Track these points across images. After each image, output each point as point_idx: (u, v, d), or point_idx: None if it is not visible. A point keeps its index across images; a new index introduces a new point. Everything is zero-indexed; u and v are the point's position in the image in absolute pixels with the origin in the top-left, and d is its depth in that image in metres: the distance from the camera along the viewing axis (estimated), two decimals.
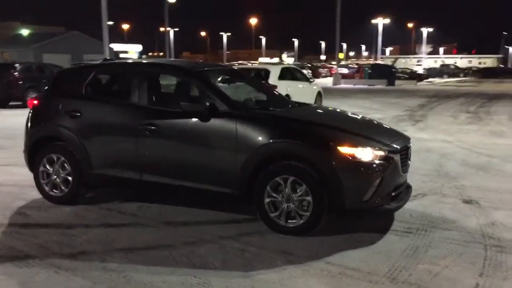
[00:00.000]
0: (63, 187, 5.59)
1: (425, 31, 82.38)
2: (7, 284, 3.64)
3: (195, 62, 6.98)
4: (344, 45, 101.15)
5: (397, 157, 4.60)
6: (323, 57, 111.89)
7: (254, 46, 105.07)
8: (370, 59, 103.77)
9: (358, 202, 4.42)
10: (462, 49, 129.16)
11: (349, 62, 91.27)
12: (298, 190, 4.52)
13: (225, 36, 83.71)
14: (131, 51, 78.01)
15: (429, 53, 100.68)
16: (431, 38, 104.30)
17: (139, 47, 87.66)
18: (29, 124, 5.85)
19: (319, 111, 6.18)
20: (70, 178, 5.54)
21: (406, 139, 5.09)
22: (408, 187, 5.15)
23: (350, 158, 4.39)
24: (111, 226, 4.94)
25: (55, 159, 5.59)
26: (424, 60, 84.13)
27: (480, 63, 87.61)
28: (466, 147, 9.84)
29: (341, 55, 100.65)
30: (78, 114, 5.45)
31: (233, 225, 4.96)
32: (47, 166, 5.63)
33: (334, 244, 4.40)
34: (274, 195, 4.62)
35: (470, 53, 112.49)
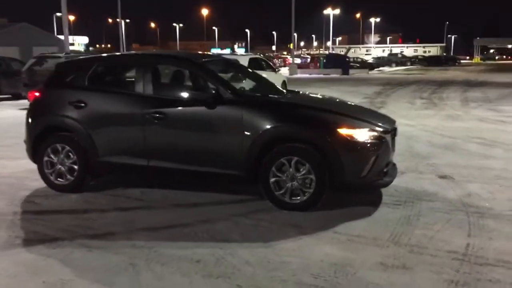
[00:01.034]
0: (68, 176, 5.81)
1: (373, 21, 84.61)
2: (47, 264, 3.89)
3: (193, 53, 7.26)
4: (295, 36, 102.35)
5: (388, 137, 5.12)
6: (274, 47, 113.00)
7: (206, 37, 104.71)
8: (320, 49, 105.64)
9: (356, 178, 4.92)
10: (407, 39, 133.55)
11: (299, 52, 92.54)
12: (301, 170, 4.97)
13: (177, 28, 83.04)
14: (77, 43, 76.27)
15: (377, 43, 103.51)
16: (378, 28, 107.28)
17: (85, 39, 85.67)
18: (30, 116, 6.01)
19: (313, 97, 6.62)
20: (75, 167, 5.76)
21: (393, 121, 5.62)
22: (394, 164, 5.70)
23: (349, 138, 4.87)
24: (124, 210, 5.23)
25: (60, 148, 5.79)
26: (372, 50, 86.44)
27: (425, 51, 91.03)
28: (429, 130, 10.59)
29: (291, 45, 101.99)
30: (83, 104, 5.67)
31: (239, 204, 5.35)
32: (52, 156, 5.82)
33: (336, 217, 4.87)
34: (279, 174, 5.04)
35: (414, 42, 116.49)
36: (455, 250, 4.02)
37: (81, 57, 8.11)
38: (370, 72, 42.45)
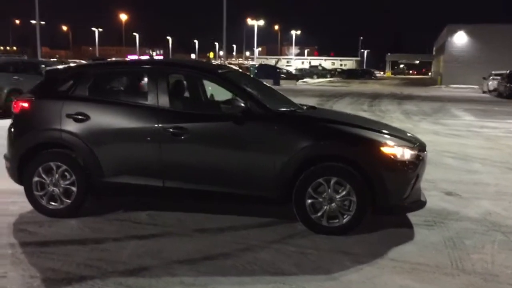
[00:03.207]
0: (64, 199, 5.06)
1: (293, 33, 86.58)
2: None
3: (210, 63, 6.68)
4: (217, 45, 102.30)
5: (424, 155, 4.93)
6: (193, 56, 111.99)
7: (124, 43, 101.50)
8: (240, 59, 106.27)
9: (400, 199, 4.69)
10: (322, 51, 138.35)
11: (219, 62, 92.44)
12: (339, 191, 4.65)
13: (96, 32, 79.88)
14: None
15: (296, 55, 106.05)
16: (295, 41, 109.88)
17: None
18: (16, 130, 5.19)
19: (338, 112, 6.28)
20: (73, 188, 5.03)
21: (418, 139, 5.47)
22: None
23: (392, 157, 4.63)
24: (141, 238, 4.60)
25: (54, 168, 5.04)
26: (292, 61, 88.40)
27: (341, 65, 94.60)
28: None
29: (211, 55, 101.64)
30: (85, 117, 4.98)
31: (268, 229, 4.92)
32: (44, 176, 5.05)
33: (378, 241, 4.59)
34: (315, 196, 4.69)
35: (328, 55, 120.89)
36: None
37: (79, 63, 7.17)
38: (297, 83, 43.14)
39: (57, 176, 5.04)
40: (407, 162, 4.68)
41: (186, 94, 5.74)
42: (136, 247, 4.39)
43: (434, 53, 78.70)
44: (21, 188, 5.37)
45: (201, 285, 3.65)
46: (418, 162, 4.78)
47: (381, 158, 4.61)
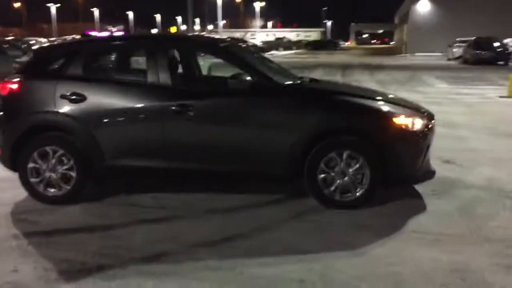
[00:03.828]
0: (62, 184, 4.81)
1: (257, 6, 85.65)
2: None
3: (208, 36, 6.36)
4: (179, 18, 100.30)
5: (432, 124, 4.86)
6: (155, 30, 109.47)
7: (82, 19, 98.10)
8: (203, 33, 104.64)
9: (413, 170, 4.63)
10: (286, 23, 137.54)
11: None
12: (352, 164, 4.56)
13: (53, 8, 76.86)
14: None
15: (260, 27, 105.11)
16: (258, 13, 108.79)
17: None
18: (6, 113, 4.86)
19: (345, 84, 6.12)
20: (72, 173, 4.78)
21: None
22: None
23: (405, 128, 4.55)
24: (153, 222, 4.42)
25: (50, 152, 4.76)
26: (257, 34, 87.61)
27: (306, 36, 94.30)
28: None
29: (173, 29, 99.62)
30: (81, 98, 4.69)
31: (278, 206, 4.80)
32: (39, 162, 4.77)
33: (393, 214, 4.54)
34: (328, 170, 4.59)
35: (292, 27, 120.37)
36: None
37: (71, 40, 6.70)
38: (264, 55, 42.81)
39: (53, 161, 4.77)
40: (418, 132, 4.61)
41: (186, 69, 5.48)
42: (149, 232, 4.21)
43: (396, 22, 79.32)
44: (6, 174, 5.13)
45: (228, 268, 3.52)
46: (428, 132, 4.72)
47: (394, 129, 4.52)
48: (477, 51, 29.13)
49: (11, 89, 4.84)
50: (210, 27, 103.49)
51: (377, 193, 4.66)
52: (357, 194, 4.59)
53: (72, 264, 3.60)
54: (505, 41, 31.06)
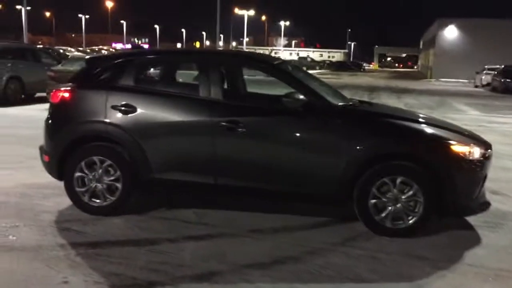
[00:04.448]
0: (107, 195, 4.76)
1: (282, 24, 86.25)
2: None
3: (261, 53, 6.29)
4: (204, 34, 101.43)
5: (489, 153, 4.71)
6: (179, 45, 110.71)
7: (111, 31, 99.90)
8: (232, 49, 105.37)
9: (469, 200, 4.47)
10: (309, 43, 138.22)
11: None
12: (405, 191, 4.42)
13: (83, 18, 78.57)
14: None
15: (284, 46, 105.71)
16: (280, 31, 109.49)
17: None
18: (56, 122, 4.86)
19: (394, 108, 5.99)
20: (118, 185, 4.72)
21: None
22: None
23: (463, 156, 4.40)
24: (198, 239, 4.32)
25: (98, 162, 4.73)
26: (281, 52, 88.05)
27: (329, 56, 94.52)
28: None
29: (197, 44, 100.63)
30: (132, 109, 4.66)
31: (326, 229, 4.68)
32: (86, 171, 4.73)
33: (448, 245, 4.38)
34: (379, 196, 4.46)
35: (315, 47, 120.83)
36: None
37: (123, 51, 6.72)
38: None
39: (100, 171, 4.73)
40: (476, 161, 4.46)
41: (238, 85, 5.44)
42: (196, 249, 4.11)
43: (421, 46, 79.01)
44: (48, 180, 5.10)
45: None
46: (485, 161, 4.57)
47: (451, 157, 4.38)
48: (506, 79, 28.76)
49: (62, 97, 4.83)
50: (233, 43, 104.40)
51: (429, 223, 4.51)
52: (409, 222, 4.45)
53: (122, 278, 3.52)
54: None
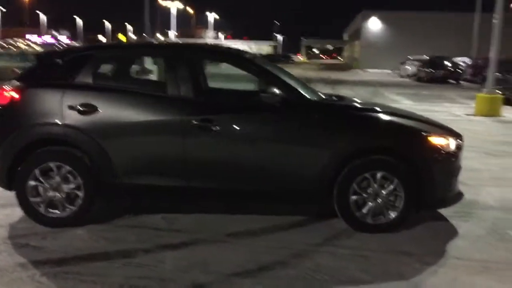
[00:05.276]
0: (67, 205, 4.31)
1: (211, 16, 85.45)
2: None
3: (230, 47, 5.87)
4: (130, 27, 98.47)
5: (462, 144, 4.72)
6: (100, 37, 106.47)
7: (29, 24, 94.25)
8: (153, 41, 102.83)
9: (447, 192, 4.47)
10: (237, 36, 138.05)
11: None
12: (385, 185, 4.33)
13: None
14: None
15: (213, 39, 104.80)
16: (209, 24, 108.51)
17: None
18: (3, 125, 4.33)
19: (369, 102, 5.87)
20: (79, 193, 4.29)
21: None
22: None
23: (441, 148, 4.37)
24: (174, 248, 4.00)
25: (55, 169, 4.27)
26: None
27: (258, 49, 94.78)
28: None
29: (122, 37, 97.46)
30: (92, 109, 4.24)
31: (304, 229, 4.51)
32: (41, 179, 4.26)
33: (429, 238, 4.35)
34: (360, 192, 4.34)
35: (242, 39, 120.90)
36: None
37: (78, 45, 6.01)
38: (222, 68, 42.57)
39: (58, 178, 4.27)
40: (452, 152, 4.45)
41: (204, 80, 5.11)
42: (174, 259, 3.80)
43: (346, 38, 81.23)
44: None
45: None
46: (459, 152, 4.58)
47: (430, 149, 4.34)
48: (431, 70, 30.11)
49: (11, 97, 4.30)
50: (160, 36, 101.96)
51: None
52: (390, 217, 4.37)
53: None
54: (456, 60, 32.28)
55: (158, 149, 4.30)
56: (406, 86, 26.19)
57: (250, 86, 6.58)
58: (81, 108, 4.23)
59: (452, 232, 4.51)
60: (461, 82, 30.03)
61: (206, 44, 5.75)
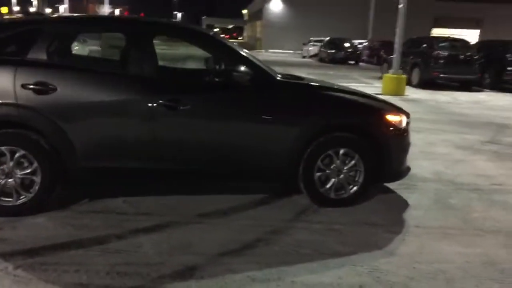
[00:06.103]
0: (22, 192, 3.99)
1: None
2: None
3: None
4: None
5: (409, 121, 5.03)
6: None
7: None
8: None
9: (401, 166, 4.76)
10: (133, 12, 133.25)
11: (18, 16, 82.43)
12: (346, 162, 4.53)
13: None
14: None
15: (110, 14, 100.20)
16: None
17: None
18: None
19: (328, 82, 5.90)
20: (36, 178, 3.99)
21: None
22: None
23: (396, 125, 4.64)
24: (148, 232, 3.87)
25: (7, 153, 3.92)
26: None
27: None
28: None
29: (4, 9, 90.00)
30: (49, 88, 3.93)
31: (269, 206, 4.59)
32: None
33: (388, 209, 4.62)
34: (324, 168, 4.50)
35: (139, 16, 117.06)
36: None
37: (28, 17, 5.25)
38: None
39: (11, 164, 3.93)
40: (404, 129, 4.74)
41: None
42: (154, 243, 3.67)
43: (246, 18, 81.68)
44: None
45: (275, 278, 3.23)
46: (409, 129, 4.88)
47: (388, 126, 4.58)
48: (332, 51, 31.38)
49: None
50: (48, 10, 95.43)
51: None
52: (351, 191, 4.58)
53: None
54: (355, 42, 33.92)
55: (124, 130, 4.10)
56: (311, 66, 27.09)
57: (192, 65, 6.41)
58: (36, 87, 3.90)
59: (404, 203, 4.83)
60: (360, 63, 31.70)
61: (172, 21, 5.49)
